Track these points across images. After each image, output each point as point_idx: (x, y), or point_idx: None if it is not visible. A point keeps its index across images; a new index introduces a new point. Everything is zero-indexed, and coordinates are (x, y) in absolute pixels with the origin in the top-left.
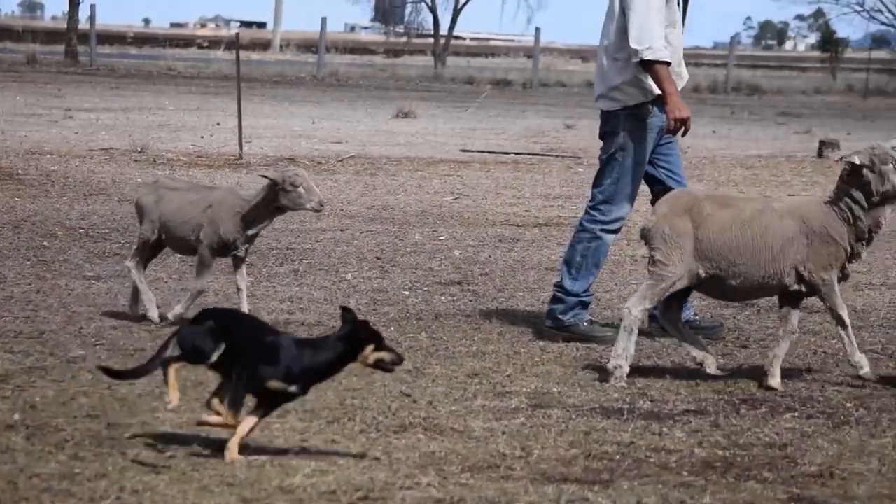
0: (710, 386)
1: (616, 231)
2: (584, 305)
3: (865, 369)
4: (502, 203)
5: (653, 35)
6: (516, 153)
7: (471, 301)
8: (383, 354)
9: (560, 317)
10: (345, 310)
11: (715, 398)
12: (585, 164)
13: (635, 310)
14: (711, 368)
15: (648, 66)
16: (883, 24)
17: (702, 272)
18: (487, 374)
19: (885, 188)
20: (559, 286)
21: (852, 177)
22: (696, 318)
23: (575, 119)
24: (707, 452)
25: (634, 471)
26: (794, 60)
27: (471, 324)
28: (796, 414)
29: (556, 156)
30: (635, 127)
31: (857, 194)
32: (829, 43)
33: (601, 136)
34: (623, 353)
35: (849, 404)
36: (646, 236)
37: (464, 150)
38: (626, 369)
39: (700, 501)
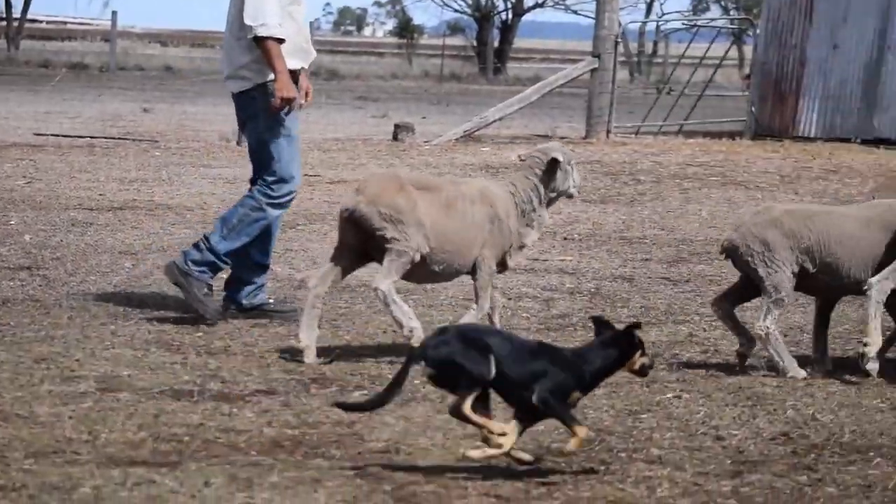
0: (282, 366)
1: (283, 207)
2: (215, 269)
3: None
4: (76, 187)
5: (266, 11)
6: (92, 137)
7: (41, 286)
8: (645, 359)
9: (190, 262)
10: (598, 319)
11: (286, 378)
12: (162, 147)
13: (383, 284)
14: (310, 358)
15: (261, 42)
16: (456, 11)
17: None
18: (55, 359)
19: (564, 186)
20: (206, 238)
21: (546, 171)
22: (270, 301)
23: (152, 103)
24: (276, 432)
25: (203, 452)
26: (372, 46)
27: (40, 309)
28: (365, 392)
29: (133, 139)
30: (272, 103)
31: (542, 188)
32: (406, 29)
33: (242, 123)
34: (406, 317)
35: (416, 381)
36: (360, 219)
37: (37, 134)
38: (420, 328)
39: (267, 480)
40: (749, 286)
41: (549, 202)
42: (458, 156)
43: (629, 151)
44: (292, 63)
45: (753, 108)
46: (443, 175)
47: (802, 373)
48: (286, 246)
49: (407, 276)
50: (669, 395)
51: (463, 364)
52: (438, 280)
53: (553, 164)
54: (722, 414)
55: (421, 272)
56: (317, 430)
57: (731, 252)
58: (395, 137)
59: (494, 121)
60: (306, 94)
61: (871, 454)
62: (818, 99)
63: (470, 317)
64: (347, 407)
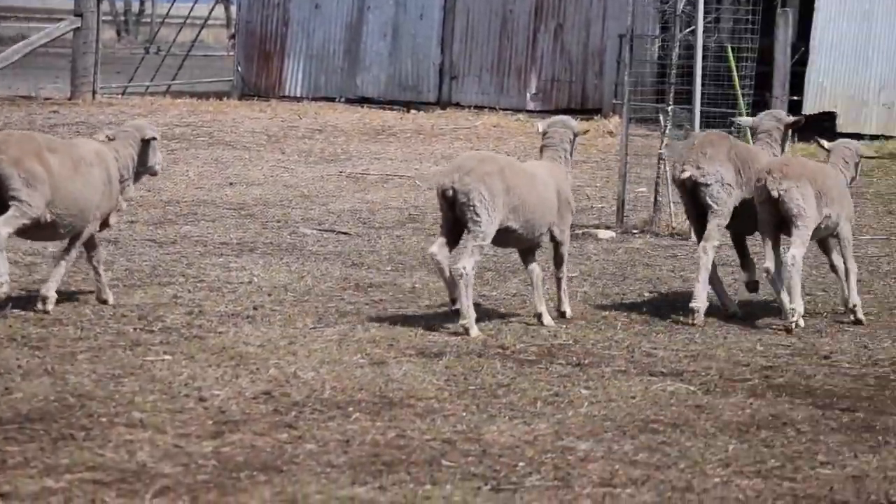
0: None
1: None
2: None
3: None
4: None
5: None
6: None
7: None
8: None
9: None
10: None
11: None
12: None
13: (1, 231)
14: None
15: None
16: None
17: (48, 216)
18: None
19: (152, 162)
20: None
21: (140, 147)
22: None
23: None
24: None
25: None
26: None
27: None
28: None
29: None
30: None
31: (135, 160)
32: None
33: None
34: (5, 272)
35: None
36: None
37: None
38: (8, 285)
39: None
40: (456, 229)
41: (137, 176)
42: None
43: (116, 112)
44: None
45: (240, 68)
46: None
47: (477, 331)
48: None
49: (33, 236)
50: (152, 358)
51: None
52: (57, 239)
53: (147, 142)
54: (205, 375)
55: (47, 233)
56: None
57: (464, 195)
58: None
59: None
60: None
61: (351, 409)
62: (302, 59)
63: (62, 267)
64: None
